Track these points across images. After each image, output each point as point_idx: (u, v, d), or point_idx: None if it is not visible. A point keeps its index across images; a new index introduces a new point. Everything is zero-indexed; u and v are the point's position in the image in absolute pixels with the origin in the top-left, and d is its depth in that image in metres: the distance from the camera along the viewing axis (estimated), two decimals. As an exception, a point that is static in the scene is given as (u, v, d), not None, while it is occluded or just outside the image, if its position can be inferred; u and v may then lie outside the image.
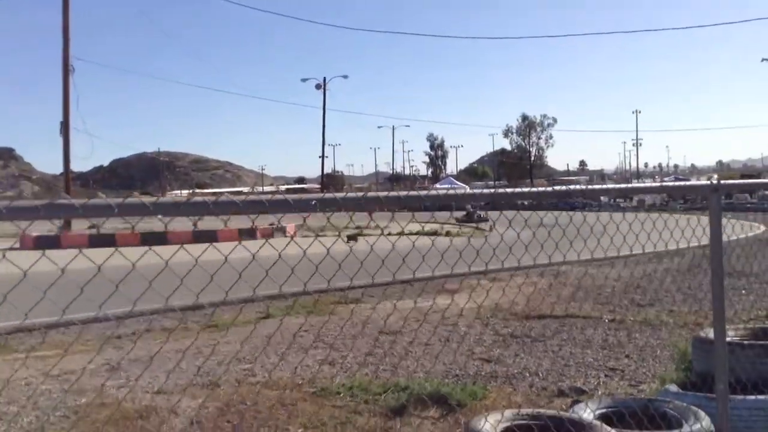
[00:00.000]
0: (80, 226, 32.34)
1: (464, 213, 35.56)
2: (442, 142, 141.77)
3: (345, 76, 72.15)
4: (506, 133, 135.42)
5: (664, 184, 4.04)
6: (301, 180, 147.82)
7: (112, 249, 2.28)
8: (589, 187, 2.95)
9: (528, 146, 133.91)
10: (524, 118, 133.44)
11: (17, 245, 6.30)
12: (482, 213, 32.88)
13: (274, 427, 5.07)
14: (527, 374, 6.51)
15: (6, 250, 2.16)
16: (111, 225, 12.88)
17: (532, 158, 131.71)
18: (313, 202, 2.04)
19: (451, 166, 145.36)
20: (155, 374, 6.35)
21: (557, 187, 2.79)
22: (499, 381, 6.29)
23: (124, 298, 2.64)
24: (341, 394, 5.80)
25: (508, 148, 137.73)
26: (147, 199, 1.76)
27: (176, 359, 6.89)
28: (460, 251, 3.16)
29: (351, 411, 5.42)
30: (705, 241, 3.35)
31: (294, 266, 2.56)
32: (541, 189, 2.81)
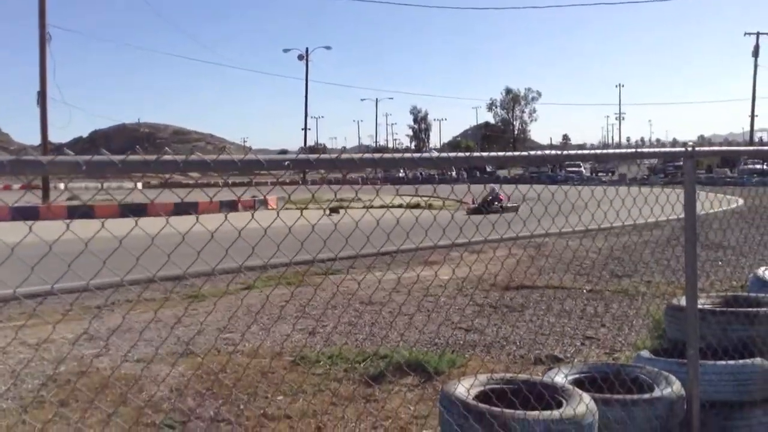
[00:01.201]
0: (59, 197, 31.97)
1: (479, 202, 22.93)
2: (426, 115, 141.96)
3: (328, 47, 71.52)
4: (490, 106, 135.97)
5: (640, 150, 4.05)
6: (283, 152, 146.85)
7: (91, 220, 2.26)
8: (565, 152, 2.96)
9: (512, 120, 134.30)
10: (508, 91, 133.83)
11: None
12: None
13: (253, 395, 5.10)
14: (505, 343, 6.58)
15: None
16: (88, 197, 12.77)
17: (516, 132, 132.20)
18: (287, 162, 2.03)
19: (435, 140, 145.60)
20: (134, 343, 6.34)
21: (533, 152, 2.80)
22: (477, 349, 6.36)
23: (103, 268, 2.61)
24: (321, 363, 5.84)
25: (492, 121, 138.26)
26: (116, 157, 1.74)
27: (156, 328, 6.89)
28: (436, 224, 3.16)
29: (330, 378, 5.46)
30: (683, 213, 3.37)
31: (259, 240, 2.56)
32: (516, 153, 2.83)
